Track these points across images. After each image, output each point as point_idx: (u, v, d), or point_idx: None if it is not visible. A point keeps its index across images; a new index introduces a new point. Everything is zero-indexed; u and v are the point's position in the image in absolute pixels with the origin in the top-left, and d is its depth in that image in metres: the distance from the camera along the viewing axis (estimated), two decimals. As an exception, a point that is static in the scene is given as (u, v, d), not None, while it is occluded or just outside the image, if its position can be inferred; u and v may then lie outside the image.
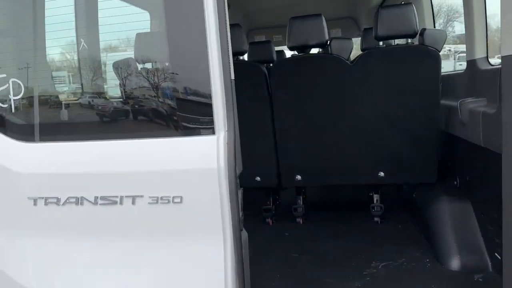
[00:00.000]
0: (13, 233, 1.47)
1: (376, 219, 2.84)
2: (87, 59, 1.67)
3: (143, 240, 1.43)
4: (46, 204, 1.42)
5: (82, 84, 1.67)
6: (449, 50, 7.36)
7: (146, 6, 1.64)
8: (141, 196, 1.38)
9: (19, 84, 1.47)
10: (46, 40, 1.59)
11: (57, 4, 1.60)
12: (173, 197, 1.36)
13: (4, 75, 1.47)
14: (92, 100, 1.62)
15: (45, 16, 1.57)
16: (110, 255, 1.45)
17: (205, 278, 1.38)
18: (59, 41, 1.66)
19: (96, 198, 1.40)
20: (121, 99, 1.62)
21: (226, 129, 1.32)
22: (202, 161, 1.33)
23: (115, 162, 1.42)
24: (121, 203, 1.39)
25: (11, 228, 1.47)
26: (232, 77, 1.34)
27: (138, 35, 1.59)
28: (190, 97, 1.42)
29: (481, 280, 2.01)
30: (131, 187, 1.39)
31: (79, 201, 1.41)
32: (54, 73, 1.65)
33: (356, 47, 4.76)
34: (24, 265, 1.47)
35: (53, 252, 1.47)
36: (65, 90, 1.69)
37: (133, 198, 1.38)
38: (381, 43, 2.61)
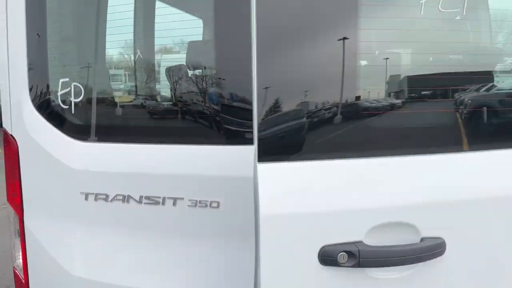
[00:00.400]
0: (66, 224, 1.60)
1: None
2: (143, 65, 1.78)
3: (181, 240, 1.50)
4: (96, 199, 1.53)
5: (136, 88, 1.79)
6: None
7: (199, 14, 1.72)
8: (182, 199, 1.45)
9: (80, 87, 1.60)
10: (106, 45, 1.72)
11: (116, 10, 1.72)
12: (211, 202, 1.42)
13: (67, 79, 1.60)
14: (144, 104, 1.73)
15: (107, 20, 1.69)
16: (151, 252, 1.54)
17: (236, 283, 1.42)
18: (118, 46, 1.79)
19: (141, 197, 1.49)
20: (172, 105, 1.72)
21: None
22: (240, 169, 1.38)
23: (161, 164, 1.51)
24: (163, 203, 1.47)
25: (64, 220, 1.60)
26: None
27: (190, 42, 1.68)
28: (234, 107, 1.48)
29: None
30: (173, 189, 1.47)
31: (125, 199, 1.51)
32: (112, 77, 1.78)
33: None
34: (74, 255, 1.59)
35: (99, 245, 1.58)
36: (120, 94, 1.82)
37: (174, 200, 1.46)
38: None
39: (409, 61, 1.39)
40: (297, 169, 1.16)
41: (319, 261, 1.12)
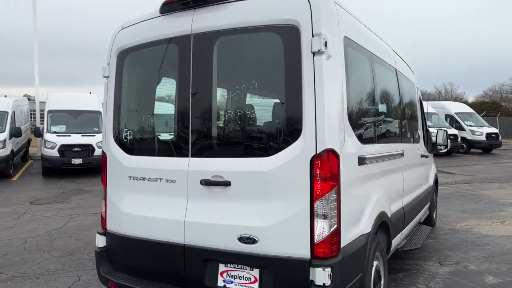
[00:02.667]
0: (121, 190, 3.65)
1: None
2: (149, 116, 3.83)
3: (169, 196, 3.43)
4: (132, 179, 3.56)
5: (143, 129, 3.83)
6: None
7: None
8: (173, 181, 3.42)
9: (130, 132, 3.69)
10: (136, 112, 3.81)
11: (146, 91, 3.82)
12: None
13: (126, 129, 3.71)
14: (146, 136, 3.75)
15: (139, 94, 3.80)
16: (156, 202, 3.49)
17: None
18: (145, 113, 3.87)
19: (150, 178, 3.48)
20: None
21: None
22: None
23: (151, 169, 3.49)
24: (160, 181, 3.44)
25: (121, 188, 3.65)
26: None
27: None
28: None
29: None
30: (166, 173, 3.45)
31: (144, 179, 3.50)
32: (139, 128, 3.84)
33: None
34: (122, 203, 3.61)
35: (133, 198, 3.56)
36: (145, 134, 3.88)
37: (168, 180, 3.43)
38: None
39: None
40: None
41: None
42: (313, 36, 2.84)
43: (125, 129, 3.72)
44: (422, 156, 6.01)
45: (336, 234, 2.87)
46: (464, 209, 9.00)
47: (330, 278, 2.77)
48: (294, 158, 2.88)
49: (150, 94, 3.72)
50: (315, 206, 2.83)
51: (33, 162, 18.30)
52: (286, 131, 2.99)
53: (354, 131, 3.26)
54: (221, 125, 3.27)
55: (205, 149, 3.24)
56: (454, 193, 11.13)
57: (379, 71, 4.11)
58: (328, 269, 2.78)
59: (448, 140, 7.46)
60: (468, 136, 23.32)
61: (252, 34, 3.09)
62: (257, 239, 2.95)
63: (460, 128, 23.55)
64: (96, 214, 8.53)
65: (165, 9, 3.41)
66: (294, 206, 2.87)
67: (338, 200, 2.90)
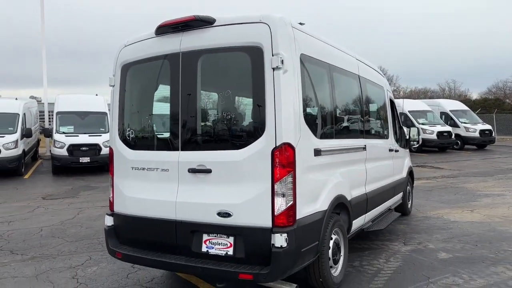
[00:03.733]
0: (125, 178, 4.46)
1: None
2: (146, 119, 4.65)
3: (160, 182, 4.25)
4: (134, 169, 4.38)
5: (142, 129, 4.65)
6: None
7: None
8: (163, 169, 4.24)
9: (132, 131, 4.52)
10: (137, 115, 4.64)
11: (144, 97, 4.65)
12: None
13: (129, 128, 4.53)
14: (134, 135, 4.57)
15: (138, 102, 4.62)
16: (154, 188, 4.32)
17: None
18: (141, 115, 4.68)
19: (149, 168, 4.30)
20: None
21: None
22: None
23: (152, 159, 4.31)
24: (156, 170, 4.26)
25: (124, 177, 4.46)
26: None
27: None
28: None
29: None
30: (161, 164, 4.27)
31: (144, 169, 4.32)
32: (140, 128, 4.66)
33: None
34: (126, 188, 4.43)
35: (135, 184, 4.38)
36: (145, 133, 4.69)
37: (163, 169, 4.25)
38: None
39: None
40: None
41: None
42: (272, 55, 3.65)
43: (128, 129, 4.55)
44: (391, 150, 6.79)
45: (292, 209, 3.68)
46: (441, 199, 9.77)
47: (286, 242, 3.59)
48: (260, 150, 3.70)
49: (148, 100, 4.55)
50: (275, 187, 3.64)
51: (42, 161, 19.22)
52: (253, 129, 3.81)
53: (310, 129, 4.06)
54: (204, 125, 4.10)
55: (191, 144, 4.06)
56: (437, 186, 11.89)
57: (338, 78, 4.91)
58: (285, 235, 3.59)
59: (420, 137, 8.23)
60: (462, 133, 24.00)
61: (227, 53, 3.91)
62: (231, 214, 3.77)
63: (454, 125, 24.24)
64: (104, 207, 9.38)
65: (159, 32, 4.23)
66: (260, 187, 3.69)
67: (294, 182, 3.71)
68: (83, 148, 14.69)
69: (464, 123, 24.35)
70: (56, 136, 15.04)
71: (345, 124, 5.08)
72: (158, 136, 4.42)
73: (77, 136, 14.98)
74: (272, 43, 3.67)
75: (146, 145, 4.46)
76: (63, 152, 14.62)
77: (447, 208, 8.76)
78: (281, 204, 3.64)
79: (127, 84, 4.53)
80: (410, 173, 8.35)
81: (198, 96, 4.06)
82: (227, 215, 3.79)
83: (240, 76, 3.99)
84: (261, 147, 3.70)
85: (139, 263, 4.37)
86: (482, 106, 42.12)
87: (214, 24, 3.96)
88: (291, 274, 3.87)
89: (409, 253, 5.83)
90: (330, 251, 4.46)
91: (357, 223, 5.27)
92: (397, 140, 7.61)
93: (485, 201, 9.52)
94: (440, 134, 22.36)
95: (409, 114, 23.28)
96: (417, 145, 8.22)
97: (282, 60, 3.64)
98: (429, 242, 6.33)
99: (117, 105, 4.61)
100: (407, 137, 8.09)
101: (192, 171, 3.97)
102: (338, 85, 4.90)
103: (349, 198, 4.89)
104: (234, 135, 3.98)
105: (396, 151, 7.16)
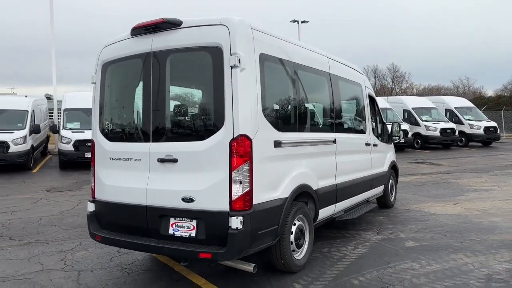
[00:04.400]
0: (104, 168, 4.86)
1: None
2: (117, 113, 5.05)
3: (136, 171, 4.65)
4: (112, 160, 4.78)
5: (122, 123, 5.04)
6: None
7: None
8: (139, 160, 4.64)
9: (110, 125, 4.92)
10: (114, 109, 5.04)
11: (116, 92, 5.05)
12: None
13: (108, 122, 4.93)
14: (114, 127, 4.97)
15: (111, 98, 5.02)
16: (129, 176, 4.71)
17: None
18: (115, 110, 5.08)
19: (125, 158, 4.69)
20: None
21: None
22: None
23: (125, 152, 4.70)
24: (130, 160, 4.66)
25: (104, 167, 4.86)
26: None
27: None
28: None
29: None
30: (135, 154, 4.67)
31: (120, 159, 4.72)
32: (116, 122, 5.06)
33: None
34: (105, 177, 4.82)
35: (114, 173, 4.77)
36: (118, 127, 5.09)
37: (136, 159, 4.65)
38: None
39: None
40: None
41: None
42: (231, 55, 4.01)
43: (107, 122, 4.95)
44: (368, 144, 7.09)
45: (248, 194, 4.04)
46: (429, 194, 10.01)
47: (242, 224, 3.94)
48: (219, 141, 4.06)
49: (124, 96, 4.94)
50: (232, 175, 4.00)
51: (51, 157, 19.87)
52: (214, 122, 4.17)
53: (270, 123, 4.41)
54: (172, 119, 4.48)
55: (161, 136, 4.44)
56: (429, 181, 12.10)
57: (304, 76, 5.25)
58: (240, 218, 3.95)
59: (401, 132, 8.50)
60: (467, 130, 24.01)
61: (192, 52, 4.28)
62: (194, 199, 4.14)
63: (459, 122, 24.26)
64: (101, 199, 9.82)
65: (134, 33, 4.62)
66: (219, 175, 4.05)
67: (251, 171, 4.06)
68: (89, 144, 15.03)
69: (469, 120, 24.35)
70: (63, 132, 15.62)
71: (310, 118, 5.40)
72: (134, 129, 4.81)
73: (83, 132, 15.50)
74: (230, 43, 4.02)
75: (122, 137, 4.85)
76: (69, 147, 15.19)
77: (431, 202, 9.01)
78: (237, 190, 4.00)
79: (106, 81, 4.93)
80: (393, 167, 8.62)
81: (166, 92, 4.44)
82: (190, 200, 4.16)
83: (203, 74, 4.35)
84: (220, 139, 4.06)
85: (116, 245, 4.77)
86: (496, 103, 41.69)
87: (181, 26, 4.33)
88: (257, 254, 4.22)
89: (378, 241, 6.14)
90: (292, 236, 4.80)
91: (325, 212, 5.60)
92: (378, 135, 7.89)
93: (471, 196, 9.73)
94: (443, 131, 22.42)
95: (412, 111, 23.39)
96: (399, 140, 8.52)
97: (239, 59, 3.99)
98: (401, 232, 6.63)
99: (98, 101, 5.02)
100: (389, 132, 8.35)
101: (161, 160, 4.35)
102: (304, 82, 5.22)
103: (315, 188, 5.22)
104: (198, 127, 4.36)
105: (375, 145, 7.44)
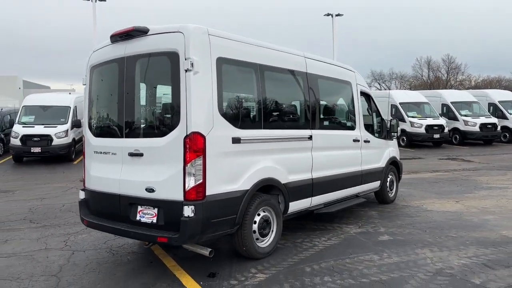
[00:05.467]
0: (91, 160, 5.48)
1: None
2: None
3: (114, 163, 5.24)
4: (96, 153, 5.39)
5: (98, 119, 5.63)
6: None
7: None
8: (115, 154, 5.22)
9: (92, 122, 5.53)
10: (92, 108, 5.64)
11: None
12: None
13: (93, 120, 5.55)
14: (95, 123, 5.56)
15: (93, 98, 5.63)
16: (108, 168, 5.31)
17: None
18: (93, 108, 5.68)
19: (104, 151, 5.29)
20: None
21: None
22: None
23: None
24: (111, 154, 5.24)
25: (91, 159, 5.48)
26: None
27: None
28: None
29: None
30: (112, 148, 5.26)
31: (102, 153, 5.31)
32: (93, 120, 5.66)
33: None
34: (91, 168, 5.45)
35: (97, 166, 5.38)
36: (95, 123, 5.69)
37: (113, 153, 5.23)
38: None
39: None
40: None
41: None
42: (185, 59, 4.45)
43: (93, 120, 5.58)
44: (356, 140, 7.26)
45: (201, 186, 4.48)
46: (438, 191, 9.93)
47: (193, 212, 4.40)
48: (175, 137, 4.54)
49: (105, 96, 5.53)
50: (186, 168, 4.46)
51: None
52: (172, 121, 4.65)
53: (229, 121, 4.82)
54: (139, 117, 5.02)
55: (131, 132, 5.00)
56: (447, 178, 11.91)
57: (272, 76, 5.58)
58: (192, 207, 4.40)
59: (399, 128, 8.55)
60: (511, 125, 22.89)
61: (156, 57, 4.79)
62: (155, 189, 4.65)
63: (503, 116, 23.17)
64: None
65: (112, 40, 5.19)
66: (175, 168, 4.53)
67: (204, 164, 4.50)
68: (35, 139, 16.01)
69: (514, 114, 23.17)
70: (15, 127, 16.61)
71: (278, 116, 5.73)
72: (111, 126, 5.39)
73: (33, 127, 16.30)
74: (185, 49, 4.47)
75: (104, 133, 5.45)
76: (17, 142, 15.97)
77: (434, 199, 8.98)
78: (190, 182, 4.46)
79: (93, 83, 5.55)
80: (393, 163, 8.68)
81: (136, 93, 4.97)
82: (152, 190, 4.68)
83: (164, 77, 4.83)
84: (177, 135, 4.53)
85: (98, 229, 5.39)
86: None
87: (148, 34, 4.84)
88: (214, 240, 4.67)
89: (355, 234, 6.36)
90: (256, 226, 5.19)
91: (298, 205, 5.92)
92: (374, 132, 8.02)
93: (481, 193, 9.56)
94: (483, 126, 21.53)
95: (451, 105, 22.64)
96: (396, 136, 8.61)
97: (192, 63, 4.43)
98: (384, 226, 6.79)
99: (87, 101, 5.66)
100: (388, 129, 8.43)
101: (130, 154, 4.89)
102: (271, 82, 5.56)
103: (284, 182, 5.56)
104: (159, 125, 4.87)
105: (367, 141, 7.59)
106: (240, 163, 4.98)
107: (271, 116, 5.58)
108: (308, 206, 6.20)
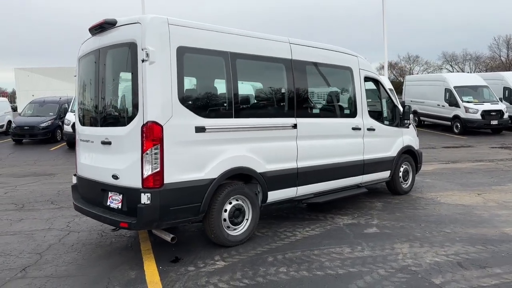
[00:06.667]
0: (78, 148, 5.82)
1: None
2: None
3: (91, 150, 5.53)
4: (81, 141, 5.72)
5: (83, 109, 5.91)
6: None
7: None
8: (92, 142, 5.51)
9: (79, 113, 5.84)
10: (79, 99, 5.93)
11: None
12: None
13: (79, 110, 5.87)
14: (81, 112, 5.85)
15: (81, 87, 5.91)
16: (92, 153, 5.61)
17: None
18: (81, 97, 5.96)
19: (86, 139, 5.59)
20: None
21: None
22: None
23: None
24: (90, 142, 5.53)
25: (79, 146, 5.82)
26: None
27: None
28: None
29: None
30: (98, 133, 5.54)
31: (84, 140, 5.62)
32: (80, 110, 5.96)
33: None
34: (79, 154, 5.78)
35: (82, 152, 5.72)
36: (81, 112, 5.98)
37: (89, 141, 5.52)
38: None
39: None
40: None
41: None
42: (142, 50, 4.56)
43: (79, 109, 5.90)
44: (356, 128, 6.97)
45: (158, 174, 4.60)
46: (465, 182, 9.26)
47: (149, 200, 4.54)
48: (135, 127, 4.68)
49: (87, 87, 5.79)
50: (143, 156, 4.60)
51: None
52: (133, 110, 4.79)
53: (191, 110, 4.87)
54: (109, 107, 5.22)
55: (104, 121, 5.23)
56: (486, 169, 11.06)
57: (246, 64, 5.51)
58: (148, 194, 4.54)
59: (411, 115, 8.04)
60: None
61: (120, 48, 4.95)
62: (119, 177, 4.85)
63: None
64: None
65: (91, 33, 5.43)
66: (135, 156, 4.68)
67: (161, 153, 4.61)
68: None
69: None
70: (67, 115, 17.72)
71: (253, 105, 5.66)
72: (91, 115, 5.66)
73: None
74: (141, 39, 4.57)
75: (86, 122, 5.75)
76: (69, 129, 16.95)
77: (456, 191, 8.41)
78: (147, 170, 4.59)
79: (79, 74, 5.86)
80: (408, 152, 8.21)
81: (106, 84, 5.18)
82: (116, 178, 4.88)
83: (127, 67, 4.96)
84: (135, 125, 4.67)
85: (81, 212, 5.70)
86: None
87: (116, 25, 5.00)
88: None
89: (342, 226, 6.17)
90: (226, 214, 5.23)
91: (279, 194, 5.85)
92: (382, 119, 7.66)
93: (510, 186, 8.78)
94: (486, 113, 19.20)
95: (453, 91, 20.21)
96: (408, 123, 8.09)
97: (148, 54, 4.52)
98: (379, 218, 6.50)
99: (76, 91, 5.98)
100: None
101: (102, 142, 5.13)
102: (246, 71, 5.50)
103: (260, 171, 5.53)
104: (123, 115, 5.03)
105: (371, 129, 7.25)
106: (205, 152, 5.02)
107: (244, 105, 5.54)
108: (293, 195, 6.10)
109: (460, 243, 5.29)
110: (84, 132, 5.70)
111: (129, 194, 4.77)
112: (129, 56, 4.76)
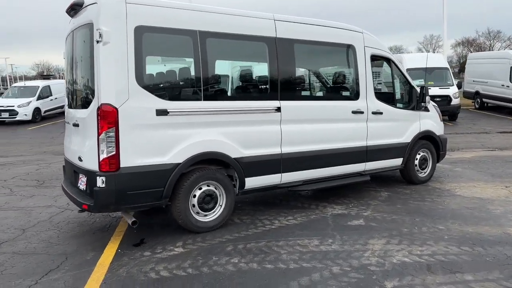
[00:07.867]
0: (65, 131, 5.97)
1: None
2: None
3: (72, 136, 5.63)
4: (65, 124, 5.84)
5: (70, 92, 5.98)
6: None
7: None
8: (78, 125, 5.61)
9: (67, 97, 5.96)
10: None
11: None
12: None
13: (63, 93, 6.00)
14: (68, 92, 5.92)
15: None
16: (78, 138, 5.73)
17: None
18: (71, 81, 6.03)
19: (74, 123, 5.71)
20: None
21: None
22: None
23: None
24: (73, 125, 5.64)
25: (65, 129, 5.96)
26: None
27: None
28: None
29: None
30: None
31: (66, 123, 5.74)
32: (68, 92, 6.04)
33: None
34: (65, 138, 5.93)
35: (66, 135, 5.85)
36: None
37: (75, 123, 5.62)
38: None
39: None
40: None
41: None
42: (96, 30, 4.48)
43: (66, 91, 6.01)
44: (356, 112, 6.44)
45: (113, 158, 4.56)
46: (499, 173, 8.30)
47: (103, 183, 4.53)
48: (92, 109, 4.66)
49: (67, 68, 5.87)
50: (99, 139, 4.57)
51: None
52: (91, 92, 4.75)
53: (151, 92, 4.75)
54: (76, 89, 5.25)
55: (75, 104, 5.28)
56: (534, 158, 9.87)
57: (218, 44, 5.23)
58: (103, 177, 4.53)
59: (427, 97, 7.27)
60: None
61: (83, 29, 4.92)
62: (82, 159, 4.89)
63: None
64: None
65: (68, 15, 5.46)
66: (93, 139, 4.67)
67: (117, 136, 4.55)
68: None
69: None
70: None
71: (228, 87, 5.39)
72: (69, 97, 5.74)
73: None
74: (96, 19, 4.50)
75: (68, 104, 5.84)
76: None
77: (482, 182, 7.57)
78: (102, 153, 4.57)
79: (65, 56, 5.95)
80: (427, 137, 7.49)
81: (74, 66, 5.21)
82: (81, 160, 4.93)
83: (88, 49, 4.90)
84: (93, 107, 4.65)
85: (64, 193, 5.85)
86: None
87: (83, 7, 4.96)
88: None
89: (329, 216, 5.79)
90: (195, 199, 5.11)
91: (259, 181, 5.59)
92: (394, 102, 7.04)
93: (553, 179, 7.73)
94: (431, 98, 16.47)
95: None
96: (424, 105, 7.28)
97: (101, 34, 4.45)
98: (373, 210, 6.02)
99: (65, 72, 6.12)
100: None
101: (74, 125, 5.20)
102: (218, 51, 5.24)
103: (235, 156, 5.31)
104: (85, 97, 5.01)
105: (377, 113, 6.68)
106: (169, 136, 4.89)
107: (216, 87, 5.30)
108: (277, 182, 5.81)
109: (445, 242, 4.72)
110: (66, 114, 5.82)
111: (90, 177, 4.79)
112: (88, 37, 4.72)
